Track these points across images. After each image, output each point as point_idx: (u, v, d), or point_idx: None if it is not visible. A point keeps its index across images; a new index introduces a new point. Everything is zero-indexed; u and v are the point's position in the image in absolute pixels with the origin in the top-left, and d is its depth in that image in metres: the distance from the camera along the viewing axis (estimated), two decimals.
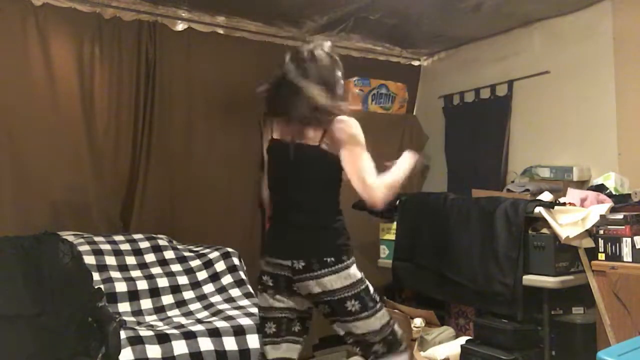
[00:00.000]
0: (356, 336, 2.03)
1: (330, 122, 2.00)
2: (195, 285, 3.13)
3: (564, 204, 3.09)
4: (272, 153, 2.18)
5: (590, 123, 3.70)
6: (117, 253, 3.08)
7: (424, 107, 4.94)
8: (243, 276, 3.22)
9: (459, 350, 3.07)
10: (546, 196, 3.23)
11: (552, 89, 3.94)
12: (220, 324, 2.69)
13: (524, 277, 2.94)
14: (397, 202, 3.73)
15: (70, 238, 2.97)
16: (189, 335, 2.56)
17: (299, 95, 1.99)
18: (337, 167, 2.03)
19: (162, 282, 3.04)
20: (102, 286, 2.80)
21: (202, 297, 3.08)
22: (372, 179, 1.97)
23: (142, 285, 2.97)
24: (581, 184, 3.59)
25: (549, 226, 2.92)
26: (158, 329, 2.63)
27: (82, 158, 3.44)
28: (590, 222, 2.90)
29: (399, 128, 4.59)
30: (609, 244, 2.80)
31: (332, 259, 1.97)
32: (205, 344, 2.55)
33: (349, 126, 2.00)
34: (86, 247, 2.98)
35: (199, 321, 2.77)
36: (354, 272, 2.02)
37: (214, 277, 3.18)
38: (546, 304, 2.94)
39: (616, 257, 2.76)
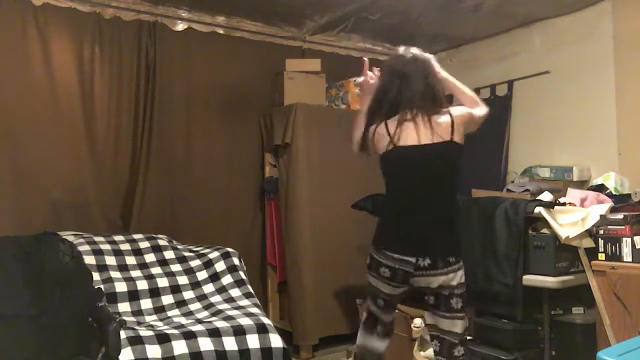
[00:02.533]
0: (444, 332, 2.21)
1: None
2: (195, 285, 3.13)
3: (564, 204, 3.09)
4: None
5: (590, 123, 3.70)
6: (117, 253, 3.08)
7: None
8: (243, 276, 3.22)
9: None
10: (546, 196, 3.23)
11: (552, 89, 3.94)
12: (220, 324, 2.69)
13: (524, 277, 2.94)
14: None
15: (70, 238, 2.96)
16: (189, 335, 2.55)
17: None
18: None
19: (162, 282, 3.04)
20: (102, 286, 2.80)
21: (202, 297, 3.08)
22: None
23: (142, 285, 2.97)
24: (581, 184, 3.59)
25: (549, 226, 2.92)
26: (158, 329, 2.63)
27: (82, 158, 3.44)
28: (590, 222, 2.90)
29: None
30: (609, 244, 2.80)
31: (454, 258, 2.18)
32: (205, 344, 2.55)
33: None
34: (86, 247, 2.98)
35: (199, 321, 2.77)
36: (463, 273, 2.22)
37: (214, 277, 3.18)
38: (546, 304, 2.94)
39: (616, 257, 2.76)
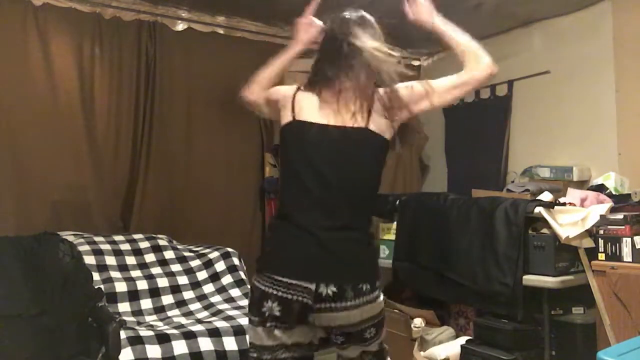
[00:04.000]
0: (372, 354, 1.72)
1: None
2: (195, 285, 3.13)
3: (564, 204, 3.09)
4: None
5: (590, 123, 3.70)
6: (117, 253, 3.08)
7: None
8: (243, 276, 3.22)
9: (459, 350, 3.06)
10: (546, 196, 3.23)
11: (552, 89, 3.94)
12: (220, 324, 2.69)
13: (524, 277, 2.94)
14: (397, 202, 3.73)
15: (70, 238, 2.97)
16: (189, 335, 2.56)
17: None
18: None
19: (162, 282, 3.04)
20: (102, 286, 2.80)
21: (202, 297, 3.08)
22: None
23: (142, 285, 2.97)
24: (581, 184, 3.58)
25: (549, 226, 2.92)
26: (158, 329, 2.63)
27: (82, 158, 3.44)
28: (590, 222, 2.90)
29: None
30: (609, 244, 2.80)
31: (368, 285, 1.59)
32: (205, 344, 2.55)
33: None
34: (86, 247, 2.98)
35: (199, 321, 2.77)
36: (382, 299, 1.68)
37: (214, 277, 3.18)
38: (546, 304, 2.94)
39: (616, 257, 2.76)
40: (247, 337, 1.73)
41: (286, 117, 1.76)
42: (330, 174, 1.62)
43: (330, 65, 1.79)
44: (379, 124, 1.69)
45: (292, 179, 1.68)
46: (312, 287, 1.54)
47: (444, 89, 1.86)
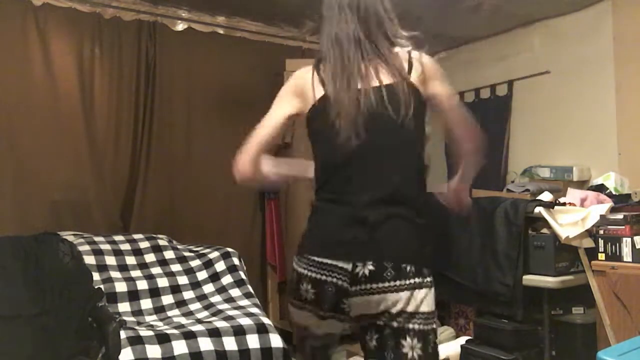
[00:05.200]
0: None
1: None
2: (195, 285, 3.13)
3: (564, 204, 3.09)
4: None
5: (590, 123, 3.70)
6: (117, 253, 3.08)
7: None
8: (243, 276, 3.22)
9: (459, 350, 3.07)
10: (546, 196, 3.23)
11: (552, 89, 3.94)
12: (220, 324, 2.69)
13: (524, 277, 2.94)
14: None
15: (70, 238, 2.97)
16: (189, 335, 2.55)
17: None
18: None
19: (162, 282, 3.04)
20: (102, 286, 2.80)
21: (202, 297, 3.08)
22: None
23: (142, 285, 2.97)
24: (581, 184, 3.59)
25: (549, 226, 2.92)
26: (158, 329, 2.63)
27: (82, 158, 3.44)
28: (590, 222, 2.90)
29: None
30: (609, 244, 2.80)
31: (414, 268, 1.42)
32: (205, 344, 2.55)
33: None
34: (86, 247, 2.98)
35: (199, 321, 2.77)
36: (432, 297, 1.46)
37: (214, 277, 3.18)
38: (546, 304, 2.94)
39: (616, 257, 2.76)
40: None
41: None
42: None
43: None
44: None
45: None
46: (349, 267, 1.40)
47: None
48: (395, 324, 1.40)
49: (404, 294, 1.40)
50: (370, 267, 1.39)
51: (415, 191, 1.55)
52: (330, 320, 1.48)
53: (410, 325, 1.40)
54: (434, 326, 1.45)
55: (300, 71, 1.67)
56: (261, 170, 1.64)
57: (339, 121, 1.45)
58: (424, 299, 1.42)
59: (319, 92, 1.53)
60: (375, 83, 1.49)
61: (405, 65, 1.56)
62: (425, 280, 1.44)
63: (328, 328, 1.53)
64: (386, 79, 1.51)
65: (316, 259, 1.44)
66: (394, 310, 1.40)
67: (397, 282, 1.39)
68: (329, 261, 1.42)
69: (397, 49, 1.62)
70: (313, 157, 1.58)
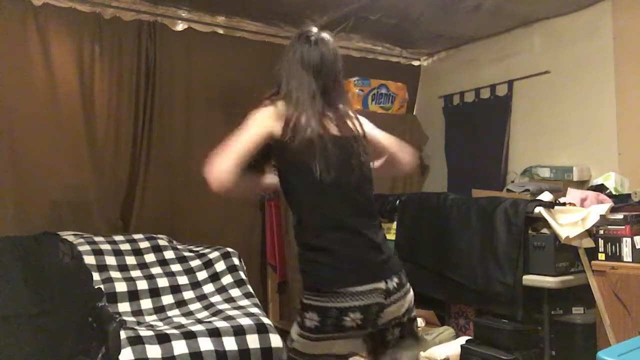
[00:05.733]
0: None
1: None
2: (195, 285, 3.13)
3: (564, 204, 3.09)
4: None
5: (590, 123, 3.70)
6: (117, 253, 3.08)
7: (424, 107, 4.94)
8: (243, 276, 3.22)
9: (459, 350, 3.06)
10: (546, 196, 3.23)
11: (552, 89, 3.94)
12: (220, 324, 2.69)
13: (524, 277, 2.94)
14: (397, 202, 3.73)
15: (70, 238, 2.97)
16: (189, 335, 2.55)
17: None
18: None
19: (162, 282, 3.04)
20: (102, 286, 2.80)
21: (202, 297, 3.08)
22: None
23: (142, 285, 2.97)
24: (581, 184, 3.59)
25: (549, 226, 2.92)
26: (158, 329, 2.63)
27: (82, 158, 3.44)
28: (590, 222, 2.90)
29: (399, 128, 4.58)
30: (609, 244, 2.80)
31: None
32: (205, 344, 2.55)
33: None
34: (86, 247, 2.98)
35: (199, 321, 2.77)
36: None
37: (214, 277, 3.18)
38: (546, 304, 2.94)
39: (616, 257, 2.76)
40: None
41: None
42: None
43: None
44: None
45: None
46: (383, 285, 1.65)
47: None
48: (406, 319, 1.74)
49: (409, 296, 1.75)
50: (395, 280, 1.69)
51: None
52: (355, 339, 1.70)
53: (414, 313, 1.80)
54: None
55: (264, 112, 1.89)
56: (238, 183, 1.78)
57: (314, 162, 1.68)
58: (412, 299, 1.78)
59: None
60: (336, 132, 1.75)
61: (356, 121, 1.82)
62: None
63: (353, 347, 1.73)
64: (346, 130, 1.77)
65: (358, 288, 1.61)
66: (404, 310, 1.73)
67: (404, 289, 1.73)
68: (370, 286, 1.62)
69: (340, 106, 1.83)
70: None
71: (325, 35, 1.86)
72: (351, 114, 1.83)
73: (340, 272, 1.63)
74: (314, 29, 1.86)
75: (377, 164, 1.93)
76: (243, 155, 1.79)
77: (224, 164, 1.79)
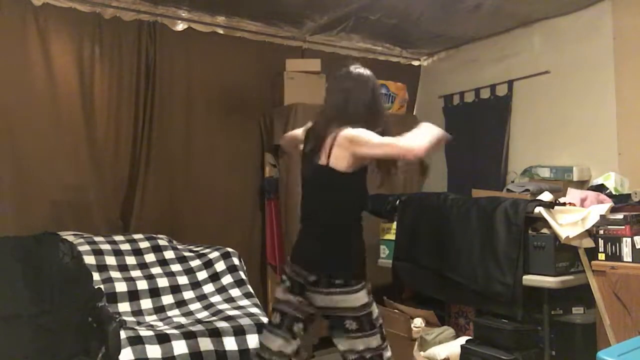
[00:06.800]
0: (343, 352, 2.05)
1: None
2: (195, 285, 3.13)
3: (564, 204, 3.09)
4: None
5: (590, 123, 3.70)
6: (117, 253, 3.08)
7: (424, 107, 4.94)
8: (243, 276, 3.22)
9: (459, 350, 3.06)
10: (546, 196, 3.23)
11: (552, 89, 3.94)
12: (220, 324, 2.69)
13: (524, 277, 2.93)
14: (397, 202, 3.73)
15: (70, 238, 2.97)
16: (189, 335, 2.56)
17: None
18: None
19: (162, 282, 3.04)
20: (102, 286, 2.80)
21: (202, 297, 3.08)
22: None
23: (142, 285, 2.97)
24: (581, 184, 3.59)
25: (549, 226, 2.92)
26: (158, 329, 2.63)
27: (82, 158, 3.44)
28: (590, 222, 2.90)
29: (399, 128, 4.58)
30: (609, 244, 2.80)
31: (342, 280, 2.00)
32: (205, 344, 2.55)
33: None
34: (86, 247, 2.98)
35: (199, 321, 2.77)
36: (362, 295, 2.04)
37: (214, 277, 3.18)
38: (546, 304, 2.94)
39: (616, 257, 2.76)
40: None
41: None
42: None
43: None
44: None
45: None
46: (305, 273, 2.09)
47: None
48: (336, 314, 2.06)
49: (336, 298, 2.05)
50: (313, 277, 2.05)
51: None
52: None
53: (348, 314, 2.04)
54: (366, 311, 2.05)
55: None
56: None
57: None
58: (355, 299, 2.04)
59: None
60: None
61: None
62: (350, 288, 2.02)
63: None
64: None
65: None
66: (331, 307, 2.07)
67: (327, 289, 2.04)
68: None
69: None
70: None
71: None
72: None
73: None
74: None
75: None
76: None
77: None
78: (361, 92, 2.12)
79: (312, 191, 2.14)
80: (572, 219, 2.91)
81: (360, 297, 2.02)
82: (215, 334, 2.61)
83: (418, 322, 3.48)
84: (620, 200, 3.12)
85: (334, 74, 2.23)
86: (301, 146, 2.24)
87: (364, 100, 2.11)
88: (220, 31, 4.04)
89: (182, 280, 3.12)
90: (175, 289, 3.06)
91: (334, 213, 2.08)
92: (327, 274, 1.99)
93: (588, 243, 2.93)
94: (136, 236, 3.29)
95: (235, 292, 3.12)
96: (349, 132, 2.00)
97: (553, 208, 2.95)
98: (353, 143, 1.99)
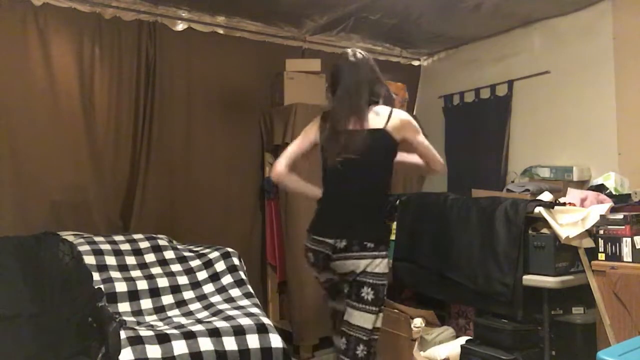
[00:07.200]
0: (351, 327, 2.19)
1: None
2: (195, 285, 3.13)
3: (564, 204, 3.09)
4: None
5: (590, 123, 3.70)
6: (117, 253, 3.08)
7: (424, 107, 4.94)
8: (243, 276, 3.22)
9: (459, 350, 3.06)
10: (546, 196, 3.23)
11: (552, 89, 3.94)
12: (220, 324, 2.69)
13: (524, 277, 2.93)
14: (397, 202, 3.73)
15: (70, 238, 2.97)
16: (189, 335, 2.55)
17: None
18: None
19: (162, 282, 3.04)
20: (102, 286, 2.80)
21: (202, 297, 3.08)
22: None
23: (142, 285, 2.97)
24: (581, 184, 3.59)
25: (549, 226, 2.92)
26: (158, 329, 2.63)
27: (82, 158, 3.44)
28: (590, 222, 2.90)
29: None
30: (609, 244, 2.80)
31: (372, 244, 2.19)
32: (205, 344, 2.55)
33: None
34: (86, 247, 2.98)
35: (199, 321, 2.77)
36: (384, 264, 2.24)
37: (214, 277, 3.18)
38: (546, 304, 2.94)
39: (616, 257, 2.76)
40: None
41: None
42: None
43: None
44: None
45: None
46: (331, 241, 2.25)
47: None
48: (359, 279, 2.21)
49: (364, 262, 2.19)
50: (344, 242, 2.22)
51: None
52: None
53: (368, 280, 2.20)
54: (381, 282, 2.22)
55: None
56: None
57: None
58: (378, 265, 2.20)
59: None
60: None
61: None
62: (377, 253, 2.21)
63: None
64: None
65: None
66: (357, 270, 2.21)
67: (359, 253, 2.20)
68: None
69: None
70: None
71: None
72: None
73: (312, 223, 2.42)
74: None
75: None
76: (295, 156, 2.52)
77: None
78: (368, 71, 2.34)
79: (355, 161, 2.22)
80: (572, 219, 2.91)
81: (384, 265, 2.22)
82: (215, 334, 2.61)
83: (418, 322, 3.48)
84: (620, 200, 3.12)
85: (341, 62, 2.37)
86: (313, 137, 2.38)
87: (371, 78, 2.34)
88: (220, 31, 4.04)
89: (182, 280, 3.11)
90: (175, 289, 3.05)
91: (374, 180, 2.27)
92: (360, 236, 2.17)
93: (588, 243, 2.93)
94: (136, 236, 3.29)
95: (235, 292, 3.11)
96: (405, 115, 2.30)
97: (553, 208, 2.95)
98: (409, 128, 2.29)
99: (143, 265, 3.10)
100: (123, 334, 2.40)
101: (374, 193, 2.29)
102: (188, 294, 3.07)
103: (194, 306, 3.01)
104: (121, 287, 2.90)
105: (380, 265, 2.21)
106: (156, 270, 3.10)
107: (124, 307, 2.84)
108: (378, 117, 2.25)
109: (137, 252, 3.16)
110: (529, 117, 4.10)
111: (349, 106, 2.25)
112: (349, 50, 2.37)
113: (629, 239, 2.73)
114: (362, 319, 2.16)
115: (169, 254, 3.23)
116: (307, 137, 2.43)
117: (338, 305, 2.33)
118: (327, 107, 2.38)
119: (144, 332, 2.51)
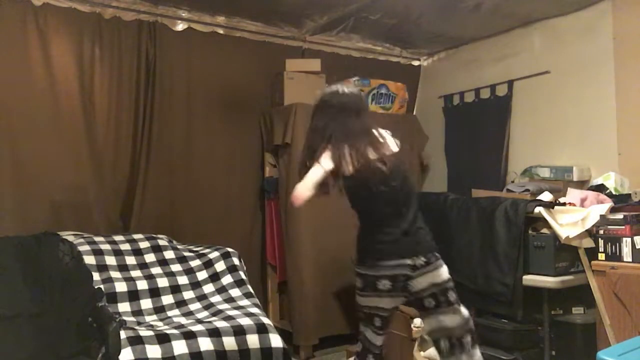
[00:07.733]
0: (449, 329, 2.26)
1: None
2: (195, 285, 3.13)
3: (564, 204, 3.09)
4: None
5: (590, 123, 3.70)
6: (117, 253, 3.08)
7: (424, 107, 4.94)
8: (243, 276, 3.22)
9: None
10: (546, 196, 3.23)
11: (552, 89, 3.94)
12: (220, 324, 2.69)
13: (524, 277, 2.94)
14: None
15: (70, 238, 2.96)
16: (189, 335, 2.55)
17: None
18: None
19: (162, 282, 3.04)
20: (102, 286, 2.80)
21: (202, 297, 3.08)
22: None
23: (142, 285, 2.97)
24: (581, 184, 3.59)
25: (549, 226, 2.92)
26: (158, 329, 2.63)
27: (82, 158, 3.44)
28: (590, 222, 2.90)
29: (399, 128, 4.57)
30: (609, 244, 2.80)
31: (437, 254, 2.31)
32: (205, 344, 2.55)
33: None
34: (86, 247, 2.98)
35: (199, 321, 2.77)
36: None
37: (214, 277, 3.18)
38: (546, 304, 2.94)
39: (616, 257, 2.76)
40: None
41: None
42: None
43: None
44: None
45: None
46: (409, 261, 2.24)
47: None
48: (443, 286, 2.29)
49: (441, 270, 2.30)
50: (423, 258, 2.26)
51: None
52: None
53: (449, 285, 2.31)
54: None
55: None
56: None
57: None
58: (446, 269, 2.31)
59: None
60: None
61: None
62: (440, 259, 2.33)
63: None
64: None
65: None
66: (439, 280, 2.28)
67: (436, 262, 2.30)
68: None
69: None
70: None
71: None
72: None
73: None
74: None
75: None
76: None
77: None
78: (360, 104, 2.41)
79: (399, 181, 2.29)
80: (572, 219, 2.91)
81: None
82: (215, 334, 2.61)
83: (418, 322, 3.47)
84: (620, 200, 3.12)
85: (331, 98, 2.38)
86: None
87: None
88: (220, 31, 4.04)
89: (182, 280, 3.11)
90: (175, 289, 3.05)
91: (415, 195, 2.38)
92: (430, 248, 2.29)
93: (588, 243, 2.94)
94: (136, 236, 3.29)
95: (235, 292, 3.11)
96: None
97: (553, 208, 2.95)
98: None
99: (143, 265, 3.10)
100: (123, 334, 2.40)
101: (416, 208, 2.37)
102: (188, 294, 3.07)
103: (194, 306, 3.01)
104: (121, 287, 2.90)
105: (446, 269, 2.33)
106: (156, 270, 3.10)
107: (124, 307, 2.84)
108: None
109: (137, 252, 3.16)
110: (529, 117, 4.10)
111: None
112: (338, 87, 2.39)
113: (629, 239, 2.73)
114: (456, 317, 2.26)
115: (169, 254, 3.23)
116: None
117: (378, 339, 2.32)
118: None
119: (144, 332, 2.51)
